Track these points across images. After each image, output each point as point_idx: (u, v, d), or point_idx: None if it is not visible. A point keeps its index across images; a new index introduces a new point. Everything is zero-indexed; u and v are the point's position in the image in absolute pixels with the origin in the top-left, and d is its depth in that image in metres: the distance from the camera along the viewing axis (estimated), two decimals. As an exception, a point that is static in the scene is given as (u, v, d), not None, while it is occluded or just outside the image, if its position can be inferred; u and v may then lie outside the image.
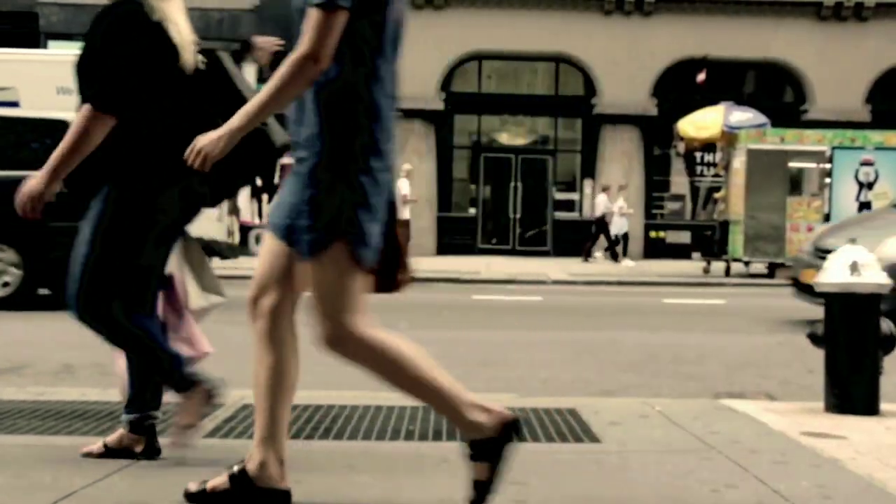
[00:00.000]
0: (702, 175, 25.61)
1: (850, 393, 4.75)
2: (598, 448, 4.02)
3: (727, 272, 19.34)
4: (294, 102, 2.89)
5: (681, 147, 23.33)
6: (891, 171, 18.47)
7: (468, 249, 24.68)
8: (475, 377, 6.48)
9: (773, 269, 18.94)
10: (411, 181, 21.37)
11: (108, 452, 3.62)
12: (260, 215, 25.87)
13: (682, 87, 24.45)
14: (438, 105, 24.90)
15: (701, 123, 20.31)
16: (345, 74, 2.83)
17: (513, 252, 25.53)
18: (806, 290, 10.61)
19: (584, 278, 18.05)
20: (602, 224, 22.29)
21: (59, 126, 6.36)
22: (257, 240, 25.17)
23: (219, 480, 3.00)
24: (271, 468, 2.96)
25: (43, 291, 10.67)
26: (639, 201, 25.16)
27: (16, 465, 3.53)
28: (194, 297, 3.86)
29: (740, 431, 4.33)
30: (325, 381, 6.27)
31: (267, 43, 3.73)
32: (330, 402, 4.89)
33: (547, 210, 26.01)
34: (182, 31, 3.65)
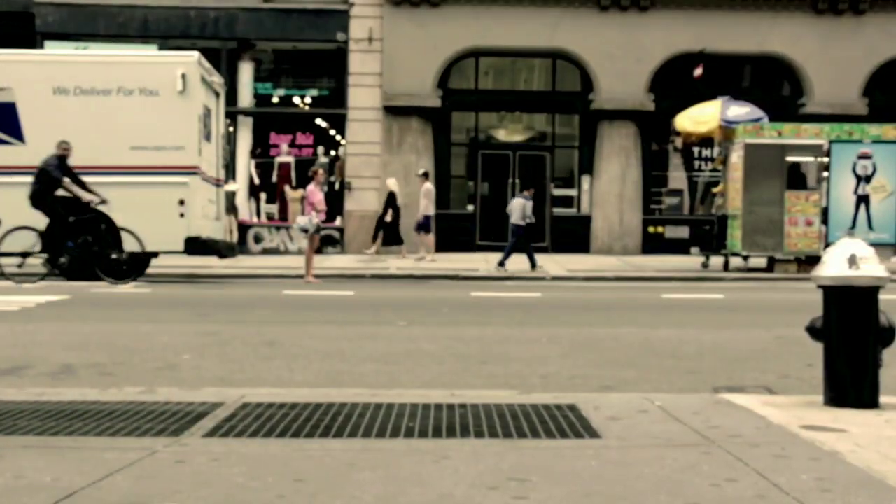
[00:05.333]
0: (700, 170, 25.61)
1: (849, 386, 4.75)
2: (598, 443, 4.03)
3: (726, 266, 19.35)
4: None
5: (678, 142, 23.36)
6: (888, 164, 18.50)
7: (467, 246, 24.66)
8: (474, 374, 6.49)
9: (771, 263, 18.96)
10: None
11: None
12: (258, 214, 25.77)
13: (679, 81, 24.43)
14: (436, 102, 24.87)
15: (698, 118, 20.31)
16: None
17: (511, 248, 25.54)
18: None
19: (583, 274, 18.05)
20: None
21: None
22: (256, 239, 25.12)
23: None
24: None
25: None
26: (637, 196, 25.16)
27: (16, 465, 3.53)
28: None
29: (740, 425, 4.33)
30: (324, 379, 6.29)
31: None
32: (329, 400, 4.89)
33: (545, 206, 26.00)
34: None
